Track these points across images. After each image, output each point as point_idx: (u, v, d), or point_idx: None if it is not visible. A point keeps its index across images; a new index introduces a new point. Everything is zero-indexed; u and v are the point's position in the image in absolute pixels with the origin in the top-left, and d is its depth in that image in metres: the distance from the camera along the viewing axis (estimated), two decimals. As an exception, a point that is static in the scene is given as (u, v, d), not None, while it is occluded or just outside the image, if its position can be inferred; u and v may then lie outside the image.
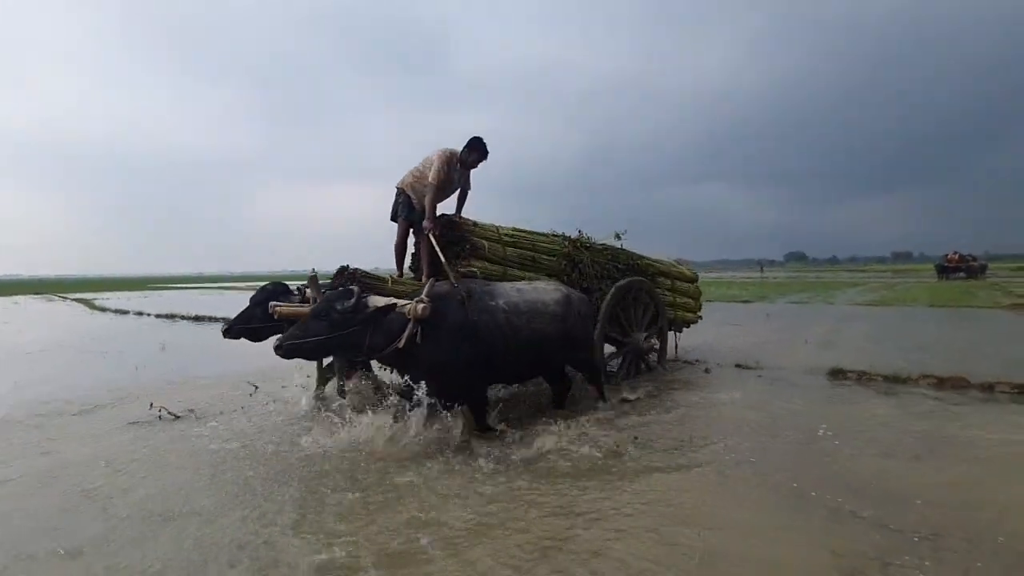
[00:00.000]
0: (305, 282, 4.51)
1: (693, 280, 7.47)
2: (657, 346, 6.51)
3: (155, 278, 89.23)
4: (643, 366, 6.31)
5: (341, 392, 4.96)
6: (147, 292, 35.46)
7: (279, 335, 3.98)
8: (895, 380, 5.72)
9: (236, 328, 4.66)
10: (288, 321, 4.15)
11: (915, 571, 2.31)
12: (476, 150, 5.13)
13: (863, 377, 5.88)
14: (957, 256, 35.12)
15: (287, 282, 5.11)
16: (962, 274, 33.41)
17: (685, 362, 7.10)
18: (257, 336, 4.74)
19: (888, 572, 2.31)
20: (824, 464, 3.54)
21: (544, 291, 4.62)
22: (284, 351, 3.62)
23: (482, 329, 4.01)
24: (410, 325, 3.73)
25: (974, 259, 35.08)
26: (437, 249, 4.69)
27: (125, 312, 18.21)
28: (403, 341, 3.70)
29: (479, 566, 2.39)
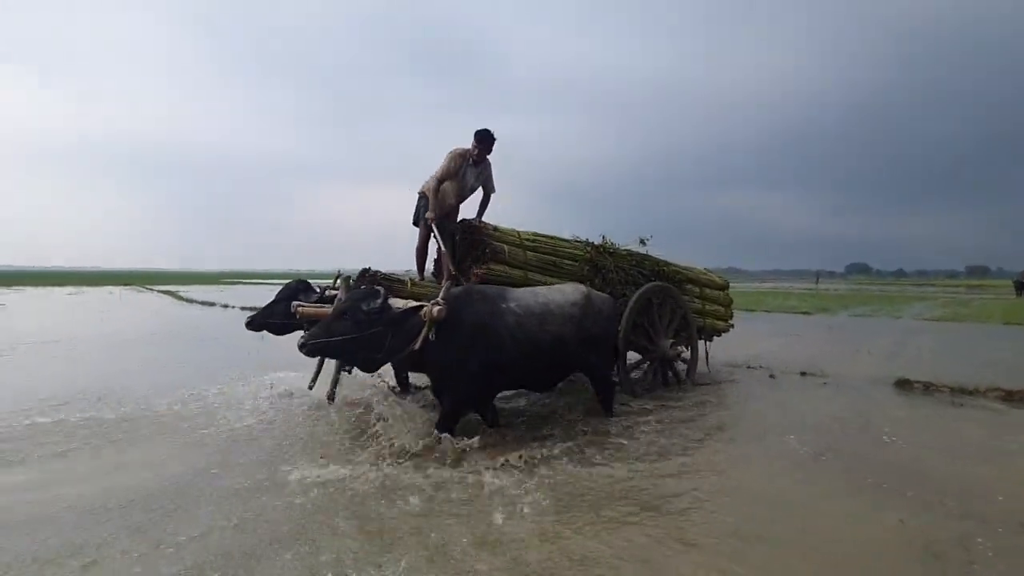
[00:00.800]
0: (331, 282, 4.77)
1: (723, 287, 7.28)
2: (685, 354, 6.28)
3: (227, 273, 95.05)
4: (670, 375, 6.12)
5: (330, 397, 4.99)
6: (221, 286, 38.24)
7: (301, 331, 4.21)
8: (962, 392, 5.89)
9: (258, 321, 4.91)
10: (309, 320, 4.28)
11: (998, 554, 2.63)
12: (480, 141, 5.13)
13: (929, 388, 6.06)
14: (1040, 272, 32.80)
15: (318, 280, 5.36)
16: (1045, 291, 31.20)
17: (749, 367, 7.45)
18: (279, 330, 4.93)
19: (972, 553, 2.62)
20: (898, 462, 3.87)
21: (562, 292, 4.60)
22: (308, 349, 3.69)
23: (491, 332, 4.05)
24: (426, 327, 3.81)
25: (1060, 275, 32.64)
26: (437, 239, 4.84)
27: (211, 304, 19.95)
28: (419, 342, 3.78)
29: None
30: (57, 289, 30.08)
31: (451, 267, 4.75)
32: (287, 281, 5.45)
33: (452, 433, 3.95)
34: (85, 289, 30.72)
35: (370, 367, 4.64)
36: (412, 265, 5.41)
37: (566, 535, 2.75)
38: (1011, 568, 2.52)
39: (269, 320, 4.86)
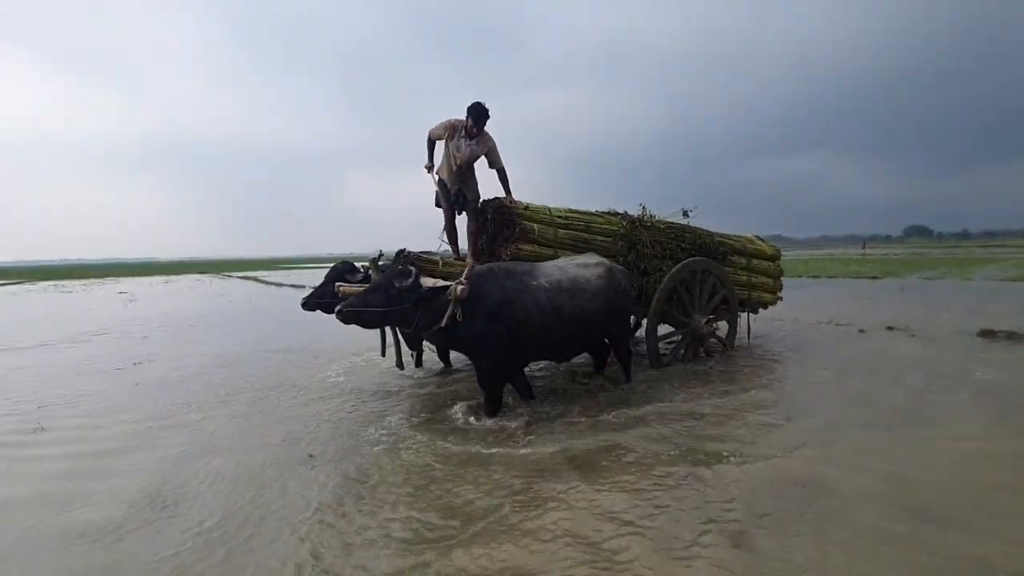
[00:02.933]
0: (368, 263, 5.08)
1: (774, 258, 7.04)
2: (720, 331, 6.27)
3: (277, 259, 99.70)
4: (701, 351, 6.09)
5: (400, 365, 5.41)
6: (282, 272, 40.67)
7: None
8: (1045, 338, 6.53)
9: (312, 301, 5.22)
10: (348, 298, 4.47)
11: None
12: (471, 114, 5.10)
13: (1013, 336, 6.72)
14: (1126, 228, 30.93)
15: (361, 261, 5.60)
16: None
17: (837, 324, 8.20)
18: (330, 309, 5.04)
19: None
20: (988, 385, 4.73)
21: (586, 266, 4.73)
22: (343, 316, 3.94)
23: (519, 308, 4.18)
24: (451, 305, 4.00)
25: None
26: (440, 197, 5.22)
27: (300, 286, 21.82)
28: (444, 320, 4.00)
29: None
30: (150, 279, 33.01)
31: (470, 250, 5.20)
32: (324, 266, 6.20)
33: (497, 409, 4.30)
34: (173, 278, 33.60)
35: (410, 343, 5.63)
36: (444, 245, 5.59)
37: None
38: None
39: (321, 300, 5.15)
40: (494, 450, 3.61)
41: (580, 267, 4.71)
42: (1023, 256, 30.15)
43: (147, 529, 2.76)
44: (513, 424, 4.10)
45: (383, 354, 5.39)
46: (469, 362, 6.16)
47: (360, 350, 7.07)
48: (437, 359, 6.24)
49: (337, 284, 4.87)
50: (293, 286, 22.32)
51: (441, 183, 5.33)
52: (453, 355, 6.21)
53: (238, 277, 32.59)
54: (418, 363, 6.20)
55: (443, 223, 5.51)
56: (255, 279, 29.34)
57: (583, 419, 4.18)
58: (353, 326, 4.08)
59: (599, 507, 2.78)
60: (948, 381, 4.97)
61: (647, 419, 4.13)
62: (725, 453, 3.45)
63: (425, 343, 5.99)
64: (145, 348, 7.94)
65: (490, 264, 4.51)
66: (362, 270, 5.29)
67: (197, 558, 2.48)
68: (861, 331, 7.65)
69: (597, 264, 4.83)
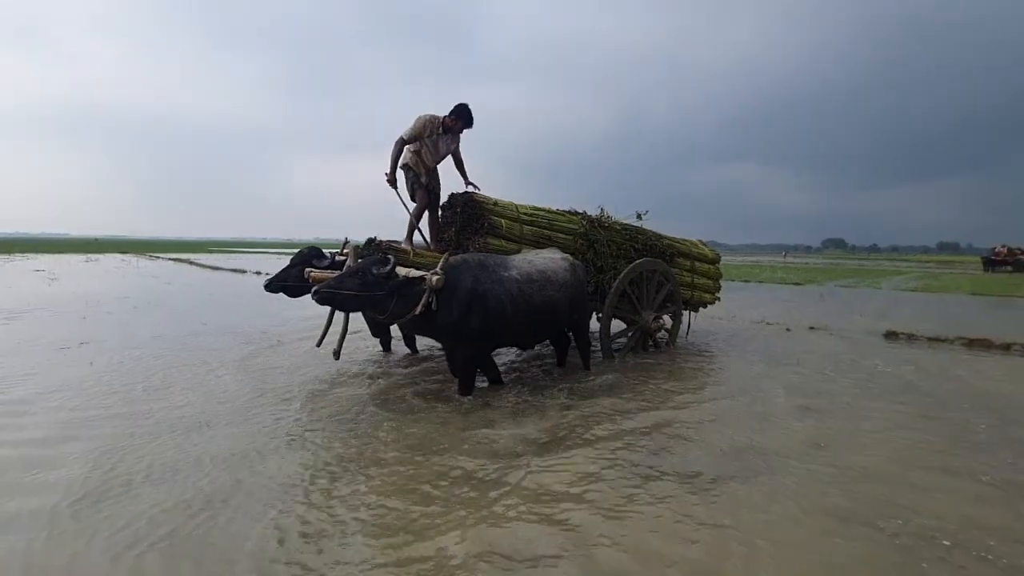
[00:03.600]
0: (337, 249, 5.18)
1: (715, 262, 7.56)
2: (667, 326, 6.75)
3: (207, 242, 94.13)
4: (651, 344, 6.54)
5: (336, 354, 4.81)
6: (215, 255, 38.53)
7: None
8: (936, 340, 7.63)
9: (275, 284, 5.28)
10: (318, 284, 4.49)
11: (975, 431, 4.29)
12: (461, 117, 5.33)
13: (911, 337, 7.79)
14: (1005, 249, 35.38)
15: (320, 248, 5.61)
16: (1009, 268, 33.78)
17: (768, 324, 9.06)
18: (294, 292, 5.31)
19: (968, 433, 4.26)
20: (889, 378, 5.54)
21: (553, 260, 5.04)
22: (319, 297, 4.01)
23: (492, 298, 4.38)
24: (426, 294, 4.16)
25: (1023, 252, 35.30)
26: (401, 199, 5.34)
27: (235, 270, 20.97)
28: (419, 308, 4.15)
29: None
30: (66, 256, 30.42)
31: (413, 219, 5.34)
32: (268, 251, 6.16)
33: (470, 391, 4.55)
34: (95, 257, 31.15)
35: (376, 331, 5.87)
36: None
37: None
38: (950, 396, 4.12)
39: (285, 283, 5.23)
40: (470, 432, 3.91)
41: (547, 260, 5.02)
42: (923, 270, 33.75)
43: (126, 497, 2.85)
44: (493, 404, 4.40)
45: (319, 344, 4.97)
46: (435, 347, 6.41)
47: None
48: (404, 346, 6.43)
49: (307, 270, 4.96)
50: (234, 270, 21.44)
51: (415, 175, 5.42)
52: (420, 341, 6.41)
53: (168, 259, 30.72)
54: (386, 348, 6.35)
55: (404, 213, 5.52)
56: (188, 262, 27.78)
57: (551, 401, 4.55)
58: (310, 311, 4.12)
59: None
60: (857, 372, 5.77)
61: (605, 401, 4.55)
62: (678, 431, 3.92)
63: (393, 329, 6.15)
64: (87, 328, 7.57)
65: (464, 255, 4.69)
66: (329, 256, 5.36)
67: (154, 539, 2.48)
68: (788, 330, 8.53)
69: (562, 258, 5.17)
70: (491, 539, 2.44)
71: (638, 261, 6.15)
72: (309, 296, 5.21)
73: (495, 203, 5.40)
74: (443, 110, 5.40)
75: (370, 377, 5.26)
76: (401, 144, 5.32)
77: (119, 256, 32.64)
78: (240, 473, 3.09)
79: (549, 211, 5.89)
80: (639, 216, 6.75)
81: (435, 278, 4.16)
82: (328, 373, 5.37)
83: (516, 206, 5.60)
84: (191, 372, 5.29)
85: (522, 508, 2.73)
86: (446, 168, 5.68)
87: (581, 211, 6.25)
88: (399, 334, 6.32)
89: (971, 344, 7.37)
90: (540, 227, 5.67)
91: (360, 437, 3.68)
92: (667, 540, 2.47)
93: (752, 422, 4.12)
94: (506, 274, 4.58)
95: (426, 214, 5.63)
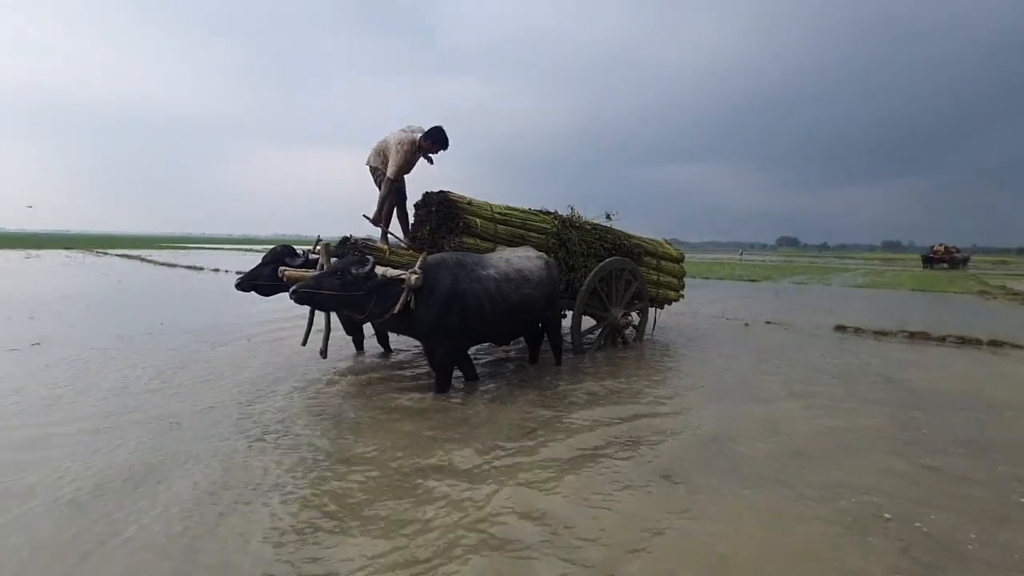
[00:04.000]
0: (310, 247, 5.16)
1: (679, 260, 7.78)
2: (635, 322, 7.00)
3: (157, 238, 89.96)
4: (619, 340, 6.76)
5: (323, 353, 4.95)
6: (167, 251, 36.92)
7: (286, 293, 4.51)
8: (881, 333, 8.16)
9: (247, 283, 5.17)
10: (294, 283, 4.51)
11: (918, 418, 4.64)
12: (437, 141, 5.46)
13: (858, 331, 8.31)
14: (942, 248, 37.87)
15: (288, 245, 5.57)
16: (945, 264, 36.17)
17: (728, 319, 9.46)
18: (266, 291, 5.23)
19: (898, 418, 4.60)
20: (833, 366, 5.91)
21: (528, 259, 5.13)
22: (298, 296, 4.01)
23: (470, 296, 4.44)
24: (404, 294, 4.20)
25: (957, 251, 37.84)
26: (385, 237, 5.37)
27: (192, 267, 20.22)
28: (398, 307, 4.20)
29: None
30: (5, 252, 28.58)
31: (381, 222, 5.42)
32: (223, 247, 6.02)
33: (448, 388, 4.60)
34: (35, 252, 29.38)
35: (349, 329, 5.77)
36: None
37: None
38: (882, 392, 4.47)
39: (257, 282, 5.13)
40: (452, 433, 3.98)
41: (523, 259, 5.10)
42: (868, 268, 35.68)
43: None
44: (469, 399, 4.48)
45: (304, 343, 5.08)
46: (407, 344, 6.43)
47: (289, 328, 7.01)
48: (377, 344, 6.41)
49: (281, 268, 4.91)
50: (190, 267, 20.65)
51: (378, 171, 5.55)
52: (394, 338, 6.41)
53: (115, 255, 29.27)
54: (359, 348, 6.32)
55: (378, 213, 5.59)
56: (140, 258, 26.55)
57: (524, 396, 4.67)
58: (276, 307, 4.11)
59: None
60: (811, 363, 6.14)
61: (579, 391, 4.72)
62: (650, 422, 4.11)
63: (367, 327, 6.12)
64: (37, 329, 7.21)
65: (442, 254, 4.71)
66: (302, 254, 5.31)
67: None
68: (746, 325, 8.94)
69: (537, 257, 5.26)
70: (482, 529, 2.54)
71: (608, 260, 6.31)
72: (282, 294, 5.22)
73: (470, 202, 5.45)
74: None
75: (342, 374, 5.25)
76: (389, 184, 5.37)
77: (63, 252, 30.87)
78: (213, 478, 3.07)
79: (522, 210, 5.99)
80: (608, 216, 6.94)
81: (414, 277, 4.20)
82: (307, 372, 5.32)
83: (490, 205, 5.66)
84: (152, 373, 5.15)
85: (504, 500, 2.83)
86: (419, 170, 5.73)
87: (553, 211, 6.37)
88: (372, 331, 6.31)
89: (912, 336, 7.92)
90: (513, 226, 5.75)
91: (335, 439, 3.69)
92: (641, 525, 2.62)
93: (714, 412, 4.35)
94: (484, 273, 4.63)
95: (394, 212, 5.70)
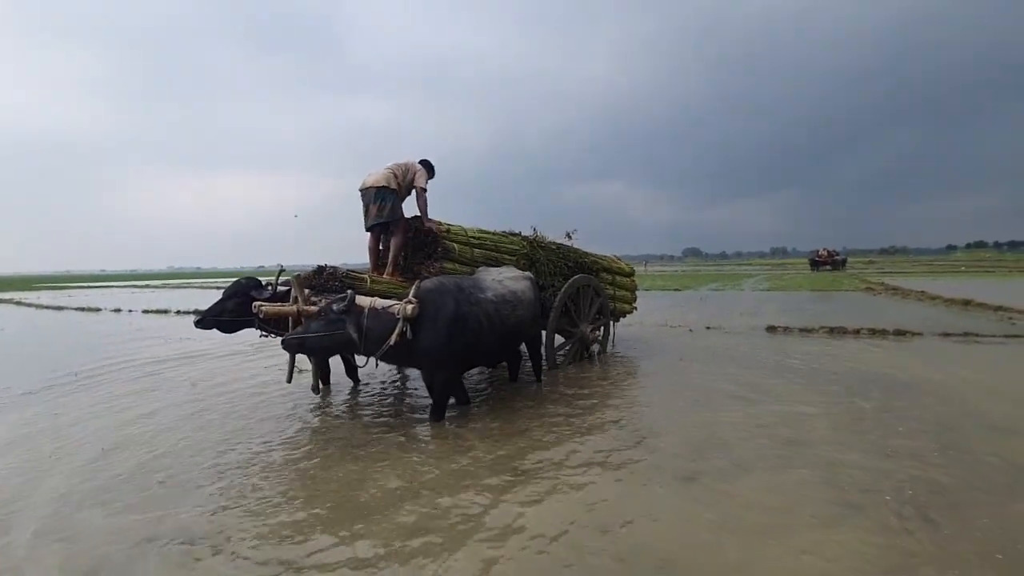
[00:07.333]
0: (272, 278, 5.03)
1: (630, 275, 8.16)
2: (599, 335, 7.26)
3: (27, 277, 79.00)
4: (586, 354, 6.98)
5: (315, 389, 5.20)
6: (47, 291, 32.51)
7: (251, 329, 4.70)
8: (806, 330, 9.08)
9: (208, 320, 4.80)
10: (268, 319, 4.56)
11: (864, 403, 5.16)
12: (430, 170, 5.78)
13: (787, 330, 9.19)
14: (826, 252, 42.64)
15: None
16: (829, 267, 40.72)
17: (672, 327, 10.03)
18: (228, 327, 4.88)
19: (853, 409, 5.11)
20: (772, 360, 6.49)
21: (517, 279, 5.14)
22: (287, 346, 3.97)
23: (472, 320, 4.35)
24: (399, 324, 4.00)
25: (837, 254, 42.78)
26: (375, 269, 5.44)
27: (86, 309, 18.06)
28: (394, 339, 3.98)
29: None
30: None
31: (390, 267, 5.40)
32: (111, 284, 5.69)
33: (443, 415, 4.45)
34: None
35: (351, 372, 5.73)
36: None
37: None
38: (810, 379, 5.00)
39: (219, 318, 4.80)
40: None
41: (513, 280, 5.10)
42: (767, 272, 39.29)
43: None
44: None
45: (288, 380, 4.88)
46: (374, 374, 6.20)
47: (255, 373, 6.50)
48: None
49: (256, 303, 4.61)
50: (84, 308, 18.39)
51: (396, 198, 5.51)
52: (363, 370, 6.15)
53: (-14, 299, 25.34)
54: (325, 382, 5.96)
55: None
56: (14, 302, 23.13)
57: (520, 415, 4.67)
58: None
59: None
60: (764, 362, 6.68)
61: (561, 399, 4.81)
62: (635, 424, 4.28)
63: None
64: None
65: (439, 279, 4.59)
66: (269, 288, 4.99)
67: None
68: (690, 330, 9.56)
69: (524, 277, 5.31)
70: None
71: (575, 277, 6.53)
72: (245, 333, 4.89)
73: (448, 229, 5.51)
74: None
75: (313, 411, 4.96)
76: (425, 197, 5.50)
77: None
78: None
79: (493, 233, 6.13)
80: (568, 236, 7.18)
81: (409, 307, 4.04)
82: (285, 409, 4.95)
83: (465, 230, 5.76)
84: (77, 436, 4.56)
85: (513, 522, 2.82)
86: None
87: (518, 232, 6.55)
88: (340, 366, 6.02)
89: (832, 332, 8.87)
90: (488, 249, 5.87)
91: (317, 479, 3.49)
92: (637, 510, 2.73)
93: (689, 410, 4.62)
94: (482, 296, 4.59)
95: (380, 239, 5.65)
